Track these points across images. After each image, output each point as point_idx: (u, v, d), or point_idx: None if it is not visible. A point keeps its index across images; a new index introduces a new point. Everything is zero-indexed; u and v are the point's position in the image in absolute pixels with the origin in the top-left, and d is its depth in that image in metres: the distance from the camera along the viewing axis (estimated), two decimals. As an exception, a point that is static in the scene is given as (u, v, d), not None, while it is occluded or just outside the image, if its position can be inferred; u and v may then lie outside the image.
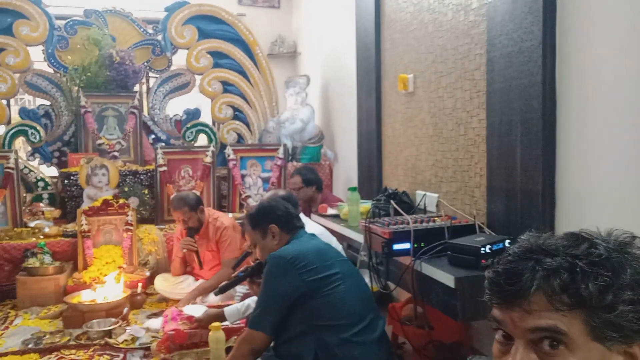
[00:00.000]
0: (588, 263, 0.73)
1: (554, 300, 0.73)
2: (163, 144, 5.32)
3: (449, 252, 2.11)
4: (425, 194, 2.97)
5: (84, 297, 3.55)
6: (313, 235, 2.36)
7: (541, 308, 0.73)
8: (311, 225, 3.02)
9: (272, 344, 2.13)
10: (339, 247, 2.94)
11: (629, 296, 0.72)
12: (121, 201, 4.37)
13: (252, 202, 4.82)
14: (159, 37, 5.39)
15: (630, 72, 1.79)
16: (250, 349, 2.05)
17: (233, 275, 2.60)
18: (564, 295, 0.72)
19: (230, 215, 4.54)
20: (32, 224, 4.43)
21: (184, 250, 3.79)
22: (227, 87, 5.53)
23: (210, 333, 2.60)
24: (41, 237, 4.22)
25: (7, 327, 3.45)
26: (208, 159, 4.91)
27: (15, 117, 5.10)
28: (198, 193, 4.43)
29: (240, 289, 3.42)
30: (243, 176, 5.07)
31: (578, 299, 0.72)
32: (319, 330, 2.00)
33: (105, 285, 3.68)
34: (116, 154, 4.92)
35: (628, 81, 1.80)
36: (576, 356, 0.72)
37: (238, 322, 2.95)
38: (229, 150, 5.05)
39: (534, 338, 0.74)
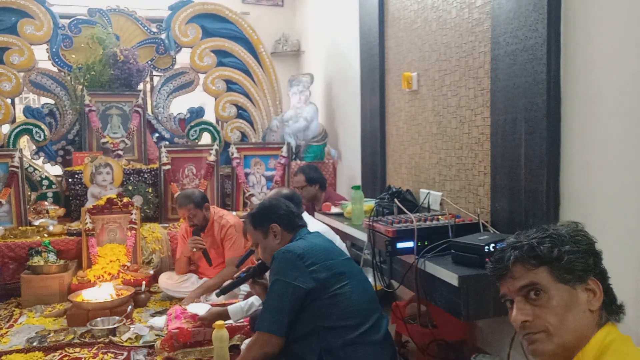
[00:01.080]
0: (539, 237, 1.16)
1: (525, 264, 1.15)
2: (167, 142, 5.34)
3: (452, 251, 2.10)
4: (429, 193, 2.96)
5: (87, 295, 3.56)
6: (317, 233, 2.34)
7: (520, 273, 1.15)
8: (314, 223, 3.01)
9: None
10: (342, 245, 2.94)
11: (569, 248, 1.12)
12: (125, 200, 4.38)
13: (256, 201, 4.82)
14: (163, 36, 5.40)
15: (635, 70, 1.78)
16: (263, 353, 1.98)
17: (235, 275, 2.58)
18: (530, 259, 1.14)
19: (234, 213, 4.54)
20: (36, 223, 4.45)
21: (194, 250, 3.79)
22: (231, 85, 5.53)
23: (214, 331, 2.60)
24: (45, 235, 4.24)
25: (11, 325, 3.47)
26: (212, 158, 4.92)
27: (20, 116, 5.12)
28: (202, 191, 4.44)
29: (244, 287, 3.42)
30: (247, 174, 5.07)
31: (539, 259, 1.13)
32: (324, 331, 1.97)
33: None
34: (120, 152, 4.93)
35: (633, 79, 1.79)
36: (551, 295, 1.11)
37: (242, 320, 2.95)
38: (232, 149, 5.06)
39: (524, 294, 1.14)
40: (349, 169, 4.86)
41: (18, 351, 3.01)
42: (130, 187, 4.72)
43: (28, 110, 5.08)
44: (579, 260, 1.12)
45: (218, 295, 2.67)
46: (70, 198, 4.76)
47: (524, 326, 1.12)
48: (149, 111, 5.48)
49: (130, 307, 3.51)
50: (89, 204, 4.37)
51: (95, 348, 3.05)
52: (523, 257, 1.14)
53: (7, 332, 3.35)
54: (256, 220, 2.28)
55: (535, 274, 1.12)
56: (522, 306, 1.13)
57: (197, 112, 5.59)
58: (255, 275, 2.37)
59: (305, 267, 2.00)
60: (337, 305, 1.99)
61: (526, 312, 1.12)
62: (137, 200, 4.64)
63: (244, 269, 2.51)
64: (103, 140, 4.95)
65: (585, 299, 1.11)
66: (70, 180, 4.69)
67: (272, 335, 1.98)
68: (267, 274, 2.36)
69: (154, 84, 5.61)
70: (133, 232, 4.23)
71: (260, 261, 2.34)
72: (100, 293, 3.57)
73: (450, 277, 1.98)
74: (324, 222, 3.19)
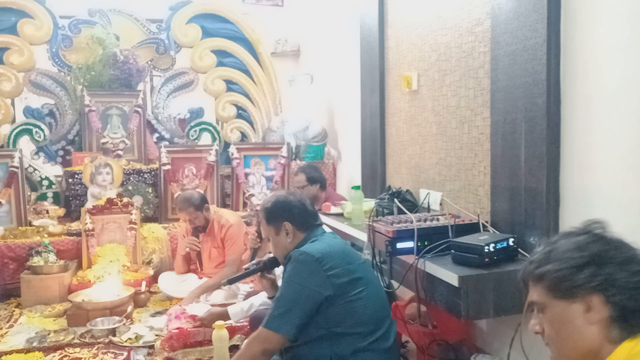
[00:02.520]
0: (540, 252, 1.16)
1: (531, 280, 1.16)
2: (167, 142, 5.33)
3: (452, 251, 2.10)
4: (429, 193, 2.96)
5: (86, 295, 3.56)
6: (333, 234, 2.28)
7: (531, 288, 1.16)
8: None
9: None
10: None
11: (551, 267, 1.11)
12: (125, 200, 4.38)
13: (256, 201, 4.82)
14: (163, 36, 5.39)
15: (635, 70, 1.78)
16: (263, 349, 1.94)
17: (244, 267, 2.53)
18: (531, 275, 1.16)
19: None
20: (36, 223, 4.45)
21: (187, 249, 3.80)
22: (231, 85, 5.53)
23: (214, 331, 2.60)
24: (45, 235, 4.24)
25: (11, 326, 3.47)
26: (212, 158, 4.92)
27: (20, 116, 5.12)
28: (202, 192, 4.44)
29: (244, 287, 3.43)
30: (247, 175, 5.07)
31: (534, 276, 1.15)
32: (337, 337, 1.94)
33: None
34: (120, 152, 4.93)
35: (633, 79, 1.79)
36: (549, 314, 1.12)
37: (242, 321, 2.95)
38: (232, 149, 5.06)
39: (535, 308, 1.16)
40: (349, 168, 4.85)
41: (18, 351, 3.01)
42: (130, 187, 4.72)
43: (28, 111, 5.08)
44: (567, 277, 1.09)
45: (225, 284, 2.64)
46: (70, 198, 4.76)
47: (540, 336, 1.16)
48: (149, 111, 5.47)
49: (130, 307, 3.51)
50: (89, 204, 4.37)
51: (95, 348, 3.05)
52: (528, 273, 1.17)
53: (7, 332, 3.35)
54: (269, 215, 2.19)
55: (535, 290, 1.15)
56: (536, 316, 1.16)
57: (197, 112, 5.59)
58: (265, 269, 2.34)
59: (324, 271, 1.93)
60: (352, 312, 1.95)
61: (538, 324, 1.16)
62: (137, 200, 4.64)
63: (254, 261, 2.48)
64: (103, 140, 4.95)
65: (581, 313, 1.08)
66: (70, 180, 4.69)
67: (275, 334, 1.93)
68: (276, 270, 2.35)
69: (154, 84, 5.61)
70: (133, 232, 4.23)
71: (271, 256, 2.30)
72: (100, 293, 3.57)
73: (450, 277, 1.97)
74: (324, 222, 3.18)
